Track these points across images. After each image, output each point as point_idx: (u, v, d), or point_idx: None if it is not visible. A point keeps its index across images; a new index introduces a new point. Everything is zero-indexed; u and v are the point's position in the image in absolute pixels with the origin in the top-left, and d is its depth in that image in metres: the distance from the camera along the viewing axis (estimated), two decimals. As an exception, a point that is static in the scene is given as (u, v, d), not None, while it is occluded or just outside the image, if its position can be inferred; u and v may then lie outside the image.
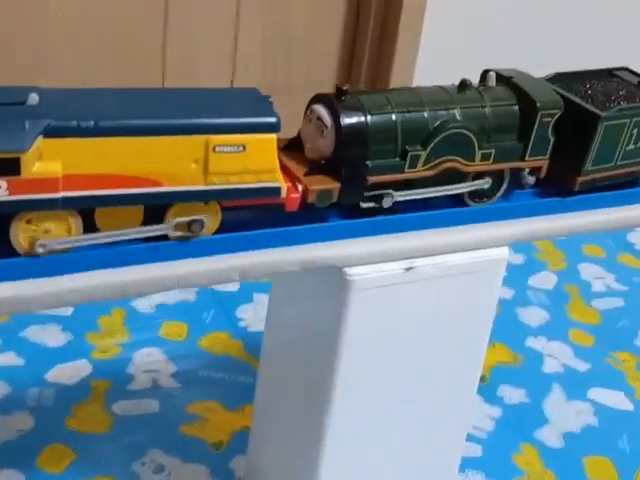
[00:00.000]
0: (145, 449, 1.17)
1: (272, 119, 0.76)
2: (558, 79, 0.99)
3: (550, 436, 1.29)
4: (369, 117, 0.82)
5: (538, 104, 0.89)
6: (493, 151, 0.88)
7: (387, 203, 0.85)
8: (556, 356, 1.46)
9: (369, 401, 0.94)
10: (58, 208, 0.71)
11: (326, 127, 0.81)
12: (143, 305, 1.44)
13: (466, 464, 1.22)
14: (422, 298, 0.90)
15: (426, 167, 0.85)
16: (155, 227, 0.75)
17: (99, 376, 1.28)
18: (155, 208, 0.76)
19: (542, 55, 1.91)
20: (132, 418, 1.21)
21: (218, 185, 0.75)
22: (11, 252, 0.72)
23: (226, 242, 0.80)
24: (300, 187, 0.80)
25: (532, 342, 1.49)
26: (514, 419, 1.31)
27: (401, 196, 0.86)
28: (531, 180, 0.94)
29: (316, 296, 0.93)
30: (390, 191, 0.85)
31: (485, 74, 0.92)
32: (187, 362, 1.33)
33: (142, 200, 0.74)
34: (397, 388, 0.95)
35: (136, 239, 0.76)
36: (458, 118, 0.86)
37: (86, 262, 0.75)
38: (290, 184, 0.80)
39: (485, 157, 0.88)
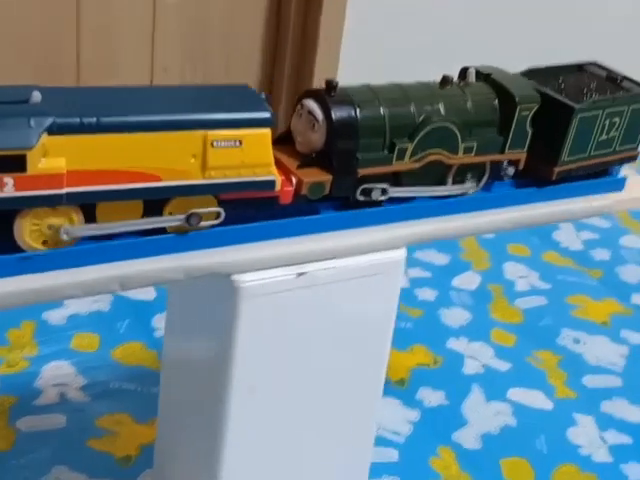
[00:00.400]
0: (49, 466, 1.13)
1: (266, 114, 0.78)
2: (532, 74, 1.02)
3: (468, 438, 1.27)
4: (359, 111, 0.85)
5: (517, 99, 0.92)
6: (475, 144, 0.92)
7: (376, 195, 0.87)
8: (477, 357, 1.45)
9: (269, 410, 0.92)
10: (62, 204, 0.73)
11: (317, 121, 0.83)
12: (55, 317, 1.40)
13: (382, 469, 1.20)
14: (317, 303, 0.88)
15: (413, 160, 0.88)
16: (155, 219, 0.77)
17: (4, 391, 1.24)
18: (154, 202, 0.77)
19: (467, 45, 1.91)
20: (37, 434, 1.17)
21: (216, 179, 0.78)
22: (15, 248, 0.74)
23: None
24: (294, 180, 0.83)
25: (453, 343, 1.47)
26: (432, 422, 1.30)
27: (395, 192, 0.89)
28: (510, 171, 0.96)
29: (209, 303, 0.90)
30: (385, 186, 0.87)
31: (464, 71, 0.95)
32: (98, 374, 1.29)
33: (142, 195, 0.76)
34: (297, 395, 0.93)
35: (134, 233, 0.77)
36: (442, 112, 0.89)
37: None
38: (284, 177, 0.82)
39: (468, 150, 0.92)
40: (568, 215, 1.05)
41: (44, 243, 0.74)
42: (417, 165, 0.89)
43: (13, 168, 0.69)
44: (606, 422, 1.34)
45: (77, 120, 0.71)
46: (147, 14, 1.69)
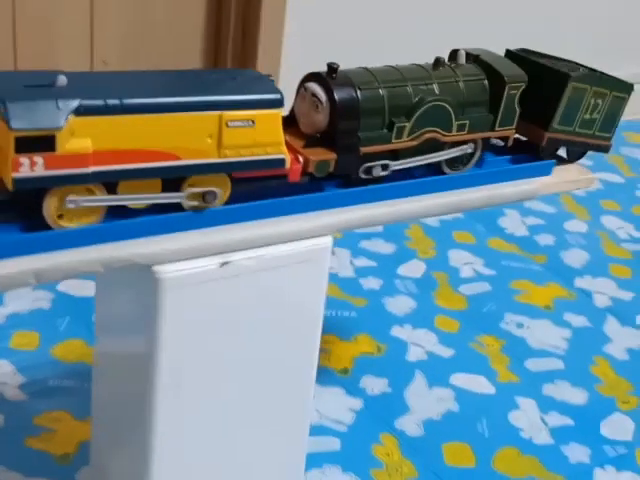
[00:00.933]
0: (-14, 466, 1.12)
1: (277, 95, 0.83)
2: (522, 53, 1.07)
3: (410, 425, 1.28)
4: (359, 92, 0.90)
5: (506, 78, 0.98)
6: (467, 122, 0.98)
7: (377, 172, 0.92)
8: (420, 344, 1.46)
9: (198, 403, 0.91)
10: (88, 182, 0.77)
11: (321, 103, 0.89)
12: (-7, 316, 1.38)
13: (324, 459, 1.20)
14: (243, 293, 0.88)
15: (410, 137, 0.94)
16: (173, 195, 0.82)
17: (-59, 392, 1.22)
18: (172, 181, 0.82)
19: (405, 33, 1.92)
20: (-27, 435, 1.16)
21: (230, 158, 0.82)
22: (44, 225, 0.77)
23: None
24: (301, 158, 0.88)
25: (397, 331, 1.48)
26: (375, 410, 1.30)
27: (396, 165, 0.94)
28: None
29: (132, 296, 0.90)
30: (388, 162, 0.93)
31: (455, 53, 1.01)
32: (37, 372, 1.28)
33: (162, 173, 0.80)
34: (227, 387, 0.93)
35: (151, 212, 0.82)
36: (436, 92, 0.95)
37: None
38: (292, 156, 0.87)
39: (461, 128, 0.97)
40: (498, 199, 1.05)
41: (70, 221, 0.78)
42: (414, 143, 0.94)
43: (43, 148, 0.73)
44: (548, 405, 1.35)
45: (102, 102, 0.75)
46: (85, 5, 1.67)
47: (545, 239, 1.82)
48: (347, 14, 1.92)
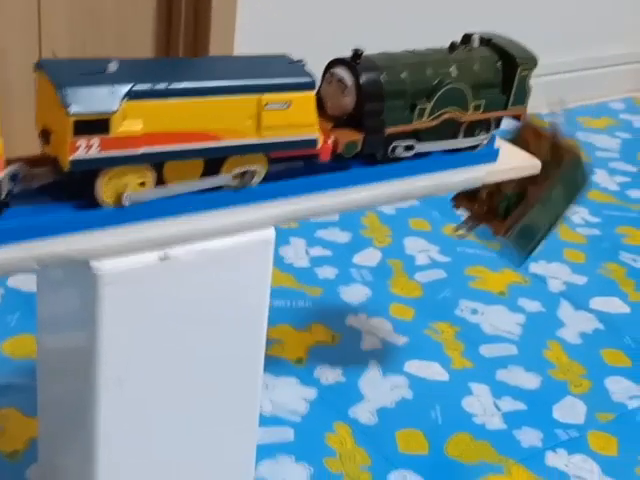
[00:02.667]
0: None
1: (310, 79, 0.88)
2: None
3: (364, 413, 1.28)
4: (383, 76, 0.94)
5: (518, 60, 1.04)
6: (483, 102, 1.03)
7: (400, 152, 0.97)
8: (375, 332, 1.46)
9: (142, 399, 0.90)
10: (138, 163, 0.81)
11: (347, 86, 0.93)
12: (-58, 313, 1.37)
13: (277, 449, 1.20)
14: (183, 288, 0.87)
15: (431, 118, 0.98)
16: (218, 178, 0.87)
17: None
18: (213, 161, 0.86)
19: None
20: None
21: (268, 138, 0.87)
22: (95, 204, 0.82)
23: None
24: (331, 139, 0.91)
25: (352, 320, 1.48)
26: (329, 399, 1.30)
27: (421, 147, 0.99)
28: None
29: (72, 291, 0.89)
30: (412, 142, 0.98)
31: (468, 37, 1.05)
32: (-14, 370, 1.27)
33: (207, 153, 0.85)
34: (172, 383, 0.92)
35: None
36: (454, 75, 0.99)
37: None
38: (322, 137, 0.90)
39: (476, 108, 1.02)
40: (444, 187, 1.06)
41: (116, 201, 0.82)
42: (434, 123, 0.99)
43: (98, 130, 0.77)
44: (501, 390, 1.36)
45: (151, 87, 0.79)
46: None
47: (500, 225, 1.83)
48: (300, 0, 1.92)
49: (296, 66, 0.89)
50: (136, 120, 0.79)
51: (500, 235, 1.30)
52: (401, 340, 1.45)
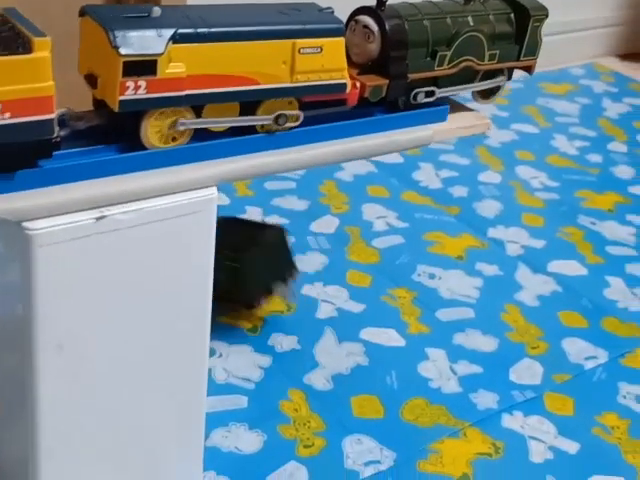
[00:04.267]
0: None
1: (341, 25, 0.92)
2: None
3: (319, 380, 1.27)
4: (406, 24, 0.99)
5: (530, 11, 1.07)
6: (497, 52, 1.06)
7: (422, 98, 1.02)
8: (331, 300, 1.44)
9: (83, 366, 0.88)
10: (181, 105, 0.85)
11: (372, 33, 0.97)
12: None
13: (230, 416, 1.19)
14: (121, 249, 0.85)
15: (450, 66, 1.03)
16: (254, 117, 0.91)
17: None
18: (248, 105, 0.91)
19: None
20: None
21: (301, 83, 0.91)
22: (140, 146, 0.86)
23: None
24: (358, 84, 0.96)
25: (308, 289, 1.46)
26: (284, 367, 1.29)
27: (442, 92, 1.03)
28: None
29: (5, 253, 0.86)
30: (433, 88, 1.02)
31: None
32: None
33: (243, 96, 0.89)
34: (114, 349, 0.90)
35: (227, 134, 0.91)
36: (471, 24, 1.03)
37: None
38: (351, 82, 0.95)
39: (492, 57, 1.06)
40: (392, 146, 1.04)
41: (161, 142, 0.86)
42: (454, 70, 1.03)
43: (146, 72, 0.81)
44: (458, 354, 1.35)
45: (193, 31, 0.83)
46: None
47: (459, 191, 1.81)
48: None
49: (325, 13, 0.93)
50: (180, 63, 0.83)
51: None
52: (357, 307, 1.44)
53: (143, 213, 0.85)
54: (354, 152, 1.00)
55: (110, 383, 0.91)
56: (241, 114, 0.90)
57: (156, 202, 0.86)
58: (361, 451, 1.15)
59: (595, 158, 2.02)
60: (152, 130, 0.85)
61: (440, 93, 1.03)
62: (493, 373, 1.32)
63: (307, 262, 1.53)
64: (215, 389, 1.23)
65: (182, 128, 0.86)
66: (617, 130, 2.17)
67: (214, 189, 0.89)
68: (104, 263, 0.85)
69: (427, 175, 1.86)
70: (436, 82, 1.03)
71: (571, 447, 1.20)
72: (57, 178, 0.81)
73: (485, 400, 1.26)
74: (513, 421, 1.23)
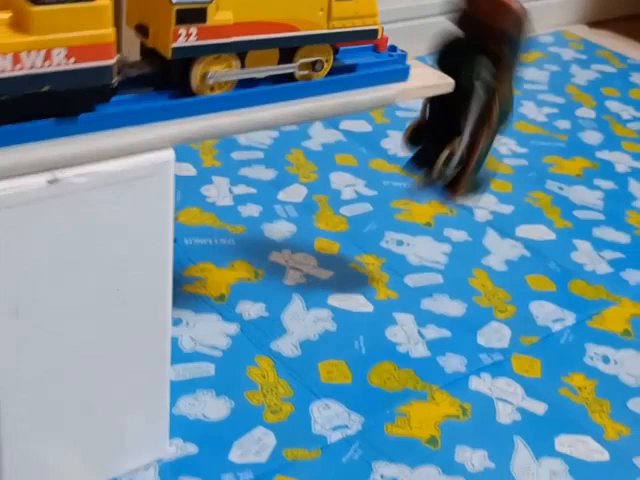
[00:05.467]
0: None
1: None
2: None
3: (287, 346, 1.26)
4: None
5: None
6: None
7: None
8: (299, 267, 1.44)
9: (40, 333, 0.87)
10: (228, 51, 0.90)
11: None
12: None
13: (197, 384, 1.18)
14: (76, 214, 0.83)
15: None
16: (291, 66, 0.97)
17: None
18: (287, 51, 0.96)
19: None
20: None
21: (337, 29, 0.97)
22: (189, 92, 0.91)
23: None
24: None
25: (276, 257, 1.45)
26: (251, 334, 1.28)
27: None
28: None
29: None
30: None
31: None
32: None
33: (285, 43, 0.94)
34: (72, 316, 0.89)
35: (265, 80, 0.96)
36: None
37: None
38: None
39: None
40: (353, 106, 1.02)
41: (211, 89, 0.92)
42: None
43: (196, 19, 0.85)
44: (426, 318, 1.35)
45: None
46: None
47: (427, 158, 1.81)
48: None
49: None
50: (227, 11, 0.87)
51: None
52: (326, 274, 1.43)
53: (98, 176, 0.83)
54: (313, 113, 0.98)
55: (68, 349, 0.90)
56: (281, 59, 0.96)
57: (111, 165, 0.84)
58: (329, 416, 1.15)
59: (563, 124, 2.02)
60: (200, 76, 0.90)
61: None
62: (461, 337, 1.32)
63: (274, 230, 1.52)
64: (182, 357, 1.22)
65: (211, 81, 0.90)
66: (585, 97, 2.17)
67: (171, 151, 0.88)
68: (59, 227, 0.83)
69: (396, 143, 1.85)
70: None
71: (538, 408, 1.21)
72: (10, 139, 0.80)
73: (453, 363, 1.27)
74: (481, 383, 1.23)
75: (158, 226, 0.90)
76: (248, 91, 0.94)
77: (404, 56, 1.07)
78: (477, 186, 1.28)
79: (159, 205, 0.89)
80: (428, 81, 1.09)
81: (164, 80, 0.91)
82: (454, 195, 1.27)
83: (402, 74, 1.05)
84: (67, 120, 0.82)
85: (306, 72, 0.97)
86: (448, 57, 1.21)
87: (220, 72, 0.90)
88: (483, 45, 1.17)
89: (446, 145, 1.22)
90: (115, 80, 0.83)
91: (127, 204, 0.87)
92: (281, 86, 0.97)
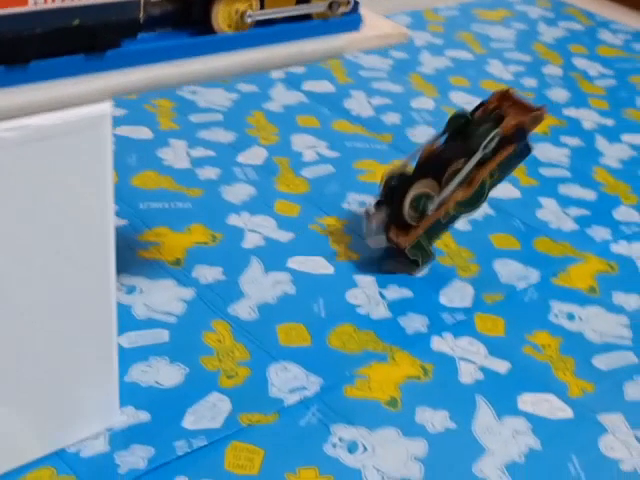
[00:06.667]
0: None
1: None
2: None
3: (244, 310, 1.23)
4: None
5: None
6: None
7: None
8: (258, 230, 1.40)
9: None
10: None
11: None
12: None
13: (150, 351, 1.14)
14: (8, 169, 0.79)
15: None
16: (309, 6, 0.98)
17: None
18: None
19: None
20: None
21: None
22: (209, 31, 0.92)
23: None
24: None
25: (234, 220, 1.41)
26: (208, 299, 1.24)
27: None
28: None
29: None
30: None
31: None
32: None
33: None
34: (11, 278, 0.85)
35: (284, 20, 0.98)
36: None
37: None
38: None
39: None
40: (302, 56, 0.99)
41: (229, 27, 0.93)
42: None
43: None
44: (387, 280, 1.32)
45: None
46: None
47: (391, 118, 1.77)
48: None
49: None
50: None
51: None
52: (285, 237, 1.39)
53: (28, 130, 0.79)
54: (262, 63, 0.94)
55: (10, 316, 0.86)
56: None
57: (41, 119, 0.80)
58: (286, 379, 1.12)
59: (530, 82, 1.98)
60: (222, 14, 0.91)
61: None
62: (423, 297, 1.29)
63: (233, 193, 1.48)
64: (135, 325, 1.18)
65: (249, 20, 0.92)
66: (552, 54, 2.14)
67: (107, 105, 0.84)
68: (-11, 185, 0.79)
69: (359, 103, 1.81)
70: None
71: (501, 367, 1.18)
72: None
73: (414, 324, 1.24)
74: (443, 343, 1.21)
75: (97, 185, 0.86)
76: (197, 40, 0.91)
77: (356, 4, 1.03)
78: (421, 248, 1.31)
79: (97, 163, 0.85)
80: (380, 31, 1.05)
81: (185, 19, 0.92)
82: (402, 238, 1.31)
83: (353, 24, 1.01)
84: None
85: (325, 12, 0.98)
86: (465, 125, 1.33)
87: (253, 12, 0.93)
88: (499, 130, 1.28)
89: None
90: (142, 15, 0.83)
91: (62, 161, 0.82)
92: (224, 36, 0.92)
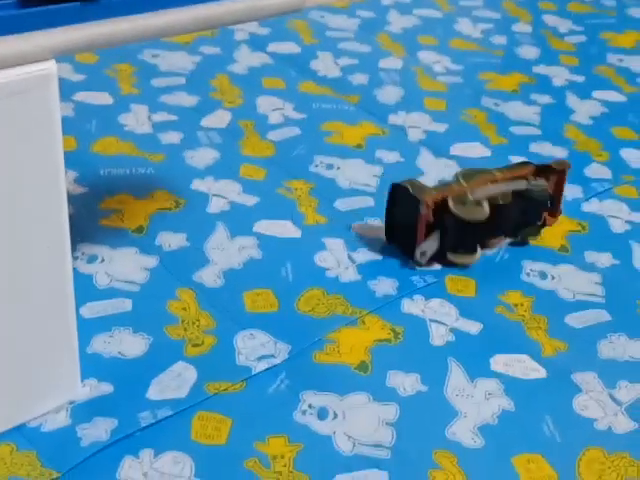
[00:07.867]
0: None
1: None
2: None
3: (209, 277, 1.19)
4: None
5: None
6: None
7: None
8: (223, 195, 1.36)
9: None
10: None
11: None
12: None
13: (113, 321, 1.11)
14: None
15: None
16: None
17: None
18: None
19: None
20: None
21: None
22: None
23: None
24: None
25: (198, 184, 1.37)
26: (171, 266, 1.21)
27: None
28: None
29: None
30: None
31: None
32: None
33: None
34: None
35: None
36: None
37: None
38: None
39: None
40: (258, 12, 0.95)
41: None
42: None
43: None
44: (356, 243, 1.29)
45: None
46: None
47: (359, 78, 1.73)
48: None
49: None
50: None
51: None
52: (251, 201, 1.36)
53: (-31, 90, 0.75)
54: (213, 19, 0.90)
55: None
56: None
57: (-16, 79, 0.76)
58: (254, 346, 1.09)
59: (499, 40, 1.95)
60: None
61: None
62: (393, 260, 1.26)
63: (197, 158, 1.44)
64: (97, 295, 1.15)
65: None
66: (522, 11, 2.10)
67: (52, 63, 0.80)
68: None
69: (325, 64, 1.77)
70: None
71: (473, 328, 1.16)
72: None
73: (384, 287, 1.21)
74: (413, 306, 1.18)
75: (45, 150, 0.82)
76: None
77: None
78: None
79: (44, 124, 0.81)
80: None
81: None
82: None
83: (313, -25, 0.98)
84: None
85: None
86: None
87: None
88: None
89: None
90: None
91: (5, 125, 0.78)
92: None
